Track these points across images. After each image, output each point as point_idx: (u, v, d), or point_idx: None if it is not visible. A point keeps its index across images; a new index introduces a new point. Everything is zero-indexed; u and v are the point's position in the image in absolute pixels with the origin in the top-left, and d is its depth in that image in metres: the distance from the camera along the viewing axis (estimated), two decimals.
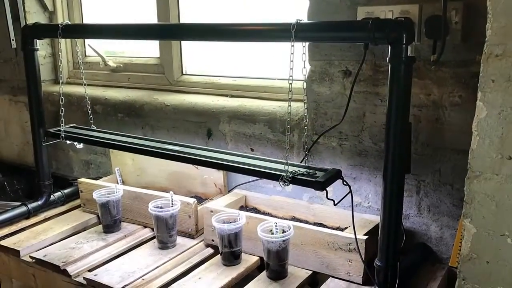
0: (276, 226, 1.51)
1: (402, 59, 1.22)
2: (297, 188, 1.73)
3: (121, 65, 2.39)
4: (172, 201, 1.73)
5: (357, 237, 1.42)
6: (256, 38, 1.53)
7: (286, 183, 1.39)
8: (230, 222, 1.61)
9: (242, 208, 1.83)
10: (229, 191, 1.94)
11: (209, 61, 2.24)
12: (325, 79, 1.68)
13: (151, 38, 2.09)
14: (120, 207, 1.86)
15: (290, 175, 1.38)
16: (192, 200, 1.75)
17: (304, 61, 1.44)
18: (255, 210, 1.82)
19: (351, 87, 1.52)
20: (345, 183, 1.42)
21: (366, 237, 1.44)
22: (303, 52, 1.46)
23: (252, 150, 1.90)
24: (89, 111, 1.98)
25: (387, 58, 1.24)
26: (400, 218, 1.32)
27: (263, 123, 1.86)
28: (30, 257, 1.71)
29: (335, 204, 1.37)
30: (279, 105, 1.86)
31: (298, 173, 1.40)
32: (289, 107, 1.46)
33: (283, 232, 1.51)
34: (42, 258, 1.67)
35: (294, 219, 1.74)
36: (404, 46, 1.21)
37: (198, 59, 2.25)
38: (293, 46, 1.36)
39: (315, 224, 1.68)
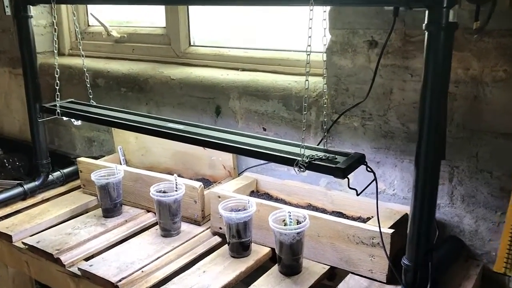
0: (289, 215, 1.35)
1: (442, 26, 1.02)
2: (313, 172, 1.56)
3: (125, 36, 2.21)
4: (176, 184, 1.58)
5: (382, 230, 1.25)
6: (270, 0, 1.34)
7: (302, 169, 1.22)
8: (239, 210, 1.45)
9: (253, 193, 1.67)
10: (239, 174, 1.78)
11: (218, 31, 2.06)
12: (348, 50, 1.49)
13: (154, 3, 1.92)
14: (121, 189, 1.71)
15: (307, 160, 1.21)
16: (198, 184, 1.60)
17: (325, 28, 1.25)
18: (267, 196, 1.66)
19: (377, 60, 1.34)
20: (369, 169, 1.25)
21: (391, 230, 1.27)
22: (323, 18, 1.27)
23: (264, 129, 1.73)
24: (88, 85, 1.82)
25: (424, 25, 1.05)
26: (434, 212, 1.14)
27: (277, 100, 1.68)
28: (23, 243, 1.58)
29: (358, 194, 1.20)
30: (295, 80, 1.67)
31: (316, 157, 1.23)
32: (307, 81, 1.29)
33: (297, 223, 1.35)
34: (35, 245, 1.53)
35: (310, 206, 1.58)
36: (444, 10, 1.01)
37: (207, 29, 2.06)
38: (311, 10, 1.17)
39: (333, 213, 1.52)
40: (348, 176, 1.19)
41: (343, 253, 1.34)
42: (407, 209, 1.41)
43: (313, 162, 1.21)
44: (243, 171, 1.78)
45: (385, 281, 1.28)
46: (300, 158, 1.22)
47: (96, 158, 2.09)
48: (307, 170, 1.23)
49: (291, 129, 1.67)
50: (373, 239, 1.28)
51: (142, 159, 1.99)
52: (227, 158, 1.75)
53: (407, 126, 1.44)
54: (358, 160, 1.24)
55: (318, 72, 1.67)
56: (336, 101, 1.55)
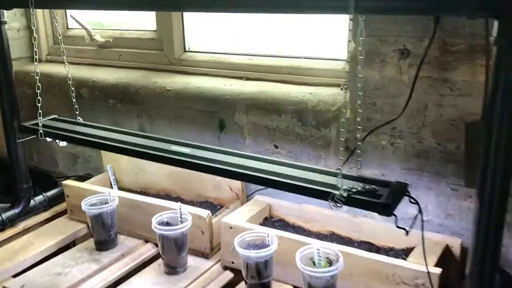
0: (318, 253, 1.18)
1: None
2: None
3: (110, 40, 1.99)
4: (181, 215, 1.38)
5: (429, 270, 1.09)
6: (292, 8, 1.14)
7: (339, 205, 1.04)
8: (257, 245, 1.27)
9: (266, 220, 1.49)
10: (247, 196, 1.60)
11: (217, 35, 1.86)
12: (375, 60, 1.32)
13: (146, 9, 1.69)
14: (115, 218, 1.51)
15: (345, 194, 1.04)
16: (205, 213, 1.41)
17: (362, 39, 1.08)
18: (283, 223, 1.48)
19: (416, 71, 1.18)
20: (413, 200, 1.09)
21: (439, 270, 1.11)
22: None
23: (276, 147, 1.55)
24: (74, 100, 1.61)
25: (493, 38, 0.88)
26: (499, 256, 0.99)
27: (290, 115, 1.50)
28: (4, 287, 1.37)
29: (407, 234, 1.03)
30: (309, 92, 1.50)
31: (355, 190, 1.05)
32: (346, 92, 1.10)
33: (327, 262, 1.18)
34: None
35: (333, 235, 1.41)
36: None
37: (204, 32, 1.86)
38: (351, 20, 0.99)
39: (361, 243, 1.36)
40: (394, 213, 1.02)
41: None
42: (445, 239, 1.26)
43: (353, 196, 1.04)
44: (252, 193, 1.60)
45: None
46: (337, 192, 1.04)
47: (82, 178, 1.88)
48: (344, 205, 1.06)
49: (307, 147, 1.49)
50: (417, 279, 1.12)
51: (135, 179, 1.79)
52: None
53: (444, 146, 1.28)
54: (400, 191, 1.07)
55: (335, 82, 1.51)
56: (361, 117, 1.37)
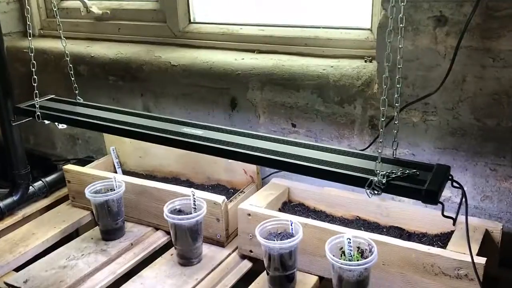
0: (349, 243, 1.07)
1: None
2: None
3: (108, 12, 1.85)
4: (195, 201, 1.28)
5: (474, 259, 0.99)
6: None
7: (377, 192, 0.93)
8: (279, 233, 1.17)
9: (285, 205, 1.39)
10: (262, 179, 1.49)
11: (225, 3, 1.71)
12: (407, 28, 1.19)
13: None
14: (123, 206, 1.40)
15: (384, 180, 0.93)
16: (220, 199, 1.30)
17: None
18: (303, 207, 1.38)
19: (458, 41, 1.06)
20: (456, 184, 0.98)
21: (484, 259, 1.01)
22: None
23: (293, 125, 1.43)
24: (72, 79, 1.47)
25: None
26: None
27: (310, 90, 1.38)
28: (6, 283, 1.26)
29: (454, 223, 0.93)
30: (330, 65, 1.37)
31: (394, 175, 0.94)
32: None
33: (359, 252, 1.08)
34: (22, 287, 1.22)
35: (358, 220, 1.31)
36: None
37: (210, 1, 1.72)
38: None
39: (390, 228, 1.26)
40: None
41: (417, 286, 1.08)
42: (485, 223, 1.16)
43: (392, 182, 0.93)
44: (267, 176, 1.49)
45: None
46: (375, 178, 0.93)
47: (83, 161, 1.77)
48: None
49: (329, 125, 1.37)
50: (458, 270, 1.02)
51: (140, 162, 1.67)
52: None
53: (484, 122, 1.17)
54: (443, 175, 0.96)
55: (357, 53, 1.39)
56: (391, 91, 1.25)
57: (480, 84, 1.14)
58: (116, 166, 1.68)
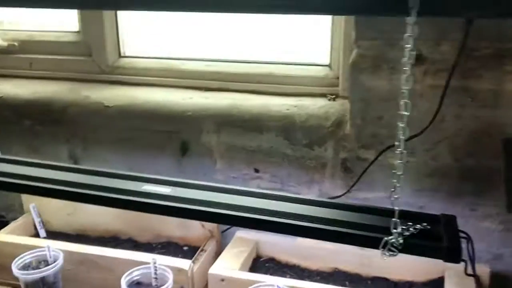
0: None
1: None
2: None
3: (15, 44, 1.57)
4: (156, 270, 1.08)
5: None
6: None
7: (394, 253, 0.84)
8: None
9: (255, 261, 1.24)
10: (222, 232, 1.33)
11: (160, 36, 1.54)
12: (382, 67, 1.13)
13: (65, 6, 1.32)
14: (60, 280, 1.15)
15: (401, 240, 0.83)
16: (186, 264, 1.12)
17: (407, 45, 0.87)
18: (274, 262, 1.24)
19: (446, 81, 1.02)
20: (464, 235, 0.92)
21: None
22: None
23: (256, 171, 1.30)
24: None
25: None
26: None
27: (275, 132, 1.26)
28: None
29: (475, 277, 0.86)
30: (293, 104, 1.27)
31: (408, 232, 0.85)
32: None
33: None
34: None
35: (337, 272, 1.21)
36: None
37: (143, 33, 1.54)
38: (413, 25, 0.78)
39: (374, 280, 1.17)
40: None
41: None
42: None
43: (409, 241, 0.84)
44: (227, 229, 1.33)
45: None
46: (391, 238, 0.83)
47: None
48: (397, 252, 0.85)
49: (297, 170, 1.26)
50: None
51: (68, 220, 1.42)
52: None
53: (463, 162, 1.14)
54: (454, 227, 0.90)
55: (318, 91, 1.31)
56: (364, 132, 1.19)
57: (459, 123, 1.11)
58: (38, 227, 1.41)
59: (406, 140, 1.10)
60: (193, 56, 1.44)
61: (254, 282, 1.05)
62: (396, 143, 0.91)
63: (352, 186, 1.19)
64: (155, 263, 1.08)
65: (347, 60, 1.23)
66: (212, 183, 0.99)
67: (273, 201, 0.96)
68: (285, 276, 1.17)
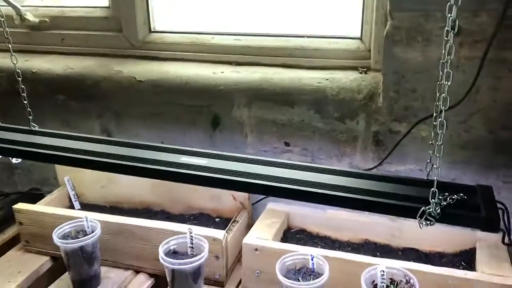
0: (382, 275, 0.98)
1: None
2: None
3: (47, 20, 1.59)
4: (192, 240, 1.11)
5: None
6: None
7: (431, 222, 0.85)
8: (299, 270, 1.05)
9: (286, 232, 1.26)
10: (252, 205, 1.35)
11: (190, 10, 1.55)
12: (417, 39, 1.12)
13: None
14: (99, 250, 1.19)
15: (438, 209, 0.84)
16: (220, 234, 1.14)
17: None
18: (305, 233, 1.26)
19: (484, 53, 1.00)
20: (501, 206, 0.92)
21: None
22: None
23: (287, 144, 1.31)
24: (25, 101, 1.23)
25: None
26: None
27: (306, 106, 1.27)
28: None
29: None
30: (325, 77, 1.27)
31: (445, 202, 0.86)
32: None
33: (392, 284, 0.99)
34: None
35: (367, 243, 1.22)
36: None
37: (173, 7, 1.55)
38: None
39: (404, 250, 1.19)
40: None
41: None
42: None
43: (447, 210, 0.85)
44: (258, 200, 1.36)
45: None
46: (429, 208, 0.84)
47: (28, 196, 1.51)
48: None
49: (328, 143, 1.27)
50: None
51: (102, 193, 1.46)
52: None
53: (497, 135, 1.13)
54: (491, 197, 0.90)
55: (350, 64, 1.31)
56: (397, 105, 1.19)
57: (495, 95, 1.11)
58: (73, 200, 1.45)
59: (441, 113, 1.10)
60: (223, 31, 1.45)
61: (287, 251, 1.07)
62: (434, 113, 0.91)
63: (385, 158, 1.20)
64: (191, 233, 1.10)
65: (379, 32, 1.22)
66: (245, 155, 1.01)
67: (305, 172, 0.98)
68: (316, 247, 1.19)
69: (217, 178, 0.97)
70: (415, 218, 0.86)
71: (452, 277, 0.99)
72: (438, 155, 0.85)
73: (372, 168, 1.22)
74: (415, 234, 1.18)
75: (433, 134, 0.95)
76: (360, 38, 1.32)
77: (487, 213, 0.84)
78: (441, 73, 0.82)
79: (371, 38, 1.29)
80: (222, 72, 1.36)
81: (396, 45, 1.14)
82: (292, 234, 1.25)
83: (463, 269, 1.07)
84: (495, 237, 1.12)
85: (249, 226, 1.27)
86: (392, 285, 0.99)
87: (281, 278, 0.99)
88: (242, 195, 1.31)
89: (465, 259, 1.12)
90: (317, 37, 1.36)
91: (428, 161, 1.00)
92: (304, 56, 1.35)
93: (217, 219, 1.35)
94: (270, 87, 1.28)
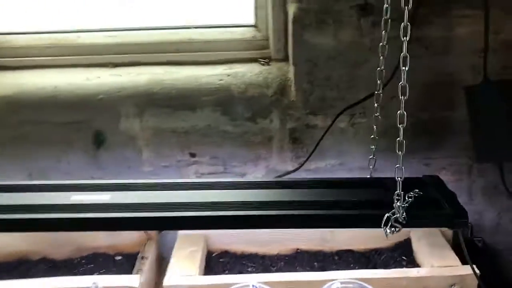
0: None
1: None
2: None
3: None
4: None
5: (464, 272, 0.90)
6: None
7: (397, 229, 0.74)
8: None
9: (207, 258, 1.07)
10: (159, 232, 1.14)
11: (41, 7, 1.25)
12: (327, 21, 1.01)
13: None
14: None
15: (403, 213, 0.74)
16: (134, 280, 0.92)
17: None
18: (229, 256, 1.09)
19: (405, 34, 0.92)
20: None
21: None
22: None
23: (192, 155, 1.12)
24: None
25: None
26: None
27: (211, 108, 1.08)
28: None
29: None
30: (226, 73, 1.11)
31: (407, 200, 0.76)
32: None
33: None
34: None
35: (299, 253, 1.09)
36: None
37: (18, 5, 1.23)
38: None
39: (339, 253, 1.08)
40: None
41: None
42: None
43: (413, 212, 0.75)
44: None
45: None
46: (394, 213, 0.73)
47: None
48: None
49: (241, 148, 1.11)
50: (453, 286, 0.92)
51: None
52: None
53: (417, 117, 1.08)
54: (444, 188, 0.83)
55: (248, 56, 1.16)
56: (312, 97, 1.07)
57: (412, 76, 1.05)
58: None
59: (363, 100, 1.01)
60: (90, 27, 1.19)
61: (222, 286, 0.89)
62: (376, 104, 0.82)
63: (307, 159, 1.07)
64: (96, 287, 0.86)
65: (278, 17, 1.09)
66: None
67: (232, 191, 0.81)
68: (246, 269, 1.03)
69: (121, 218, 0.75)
70: (376, 227, 0.74)
71: (407, 278, 0.91)
72: (401, 153, 0.74)
73: (294, 171, 1.09)
74: (347, 235, 1.09)
75: (375, 127, 0.86)
76: (255, 25, 1.18)
77: (453, 210, 0.75)
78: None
79: (267, 25, 1.15)
80: (98, 77, 1.11)
81: (306, 30, 1.02)
82: (214, 259, 1.07)
83: (406, 264, 1.01)
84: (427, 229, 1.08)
85: (160, 260, 1.06)
86: None
87: None
88: None
89: (404, 252, 1.06)
90: (207, 27, 1.18)
91: (371, 157, 0.90)
92: (193, 50, 1.17)
93: (117, 258, 1.10)
94: (163, 91, 1.08)
